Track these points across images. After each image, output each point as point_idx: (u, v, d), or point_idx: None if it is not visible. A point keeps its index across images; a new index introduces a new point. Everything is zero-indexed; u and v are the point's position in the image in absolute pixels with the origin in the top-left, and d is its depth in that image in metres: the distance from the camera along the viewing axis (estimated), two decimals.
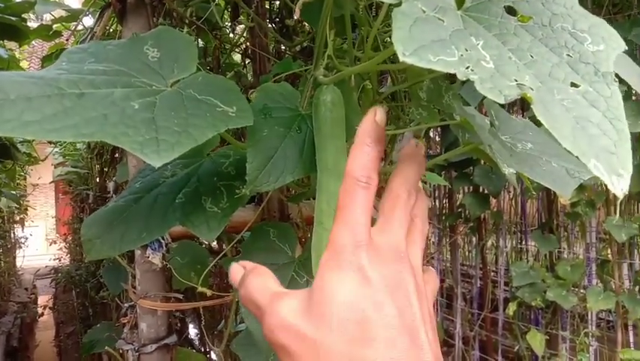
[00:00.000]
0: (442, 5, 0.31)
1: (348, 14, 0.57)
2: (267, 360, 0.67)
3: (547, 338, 2.33)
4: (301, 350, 0.30)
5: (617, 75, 0.31)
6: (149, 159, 0.37)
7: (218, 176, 0.64)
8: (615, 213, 2.11)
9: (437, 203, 3.12)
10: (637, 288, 2.17)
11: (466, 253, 3.68)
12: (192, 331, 1.99)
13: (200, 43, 1.38)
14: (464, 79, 0.27)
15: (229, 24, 1.43)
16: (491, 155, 0.51)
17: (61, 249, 6.42)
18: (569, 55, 0.31)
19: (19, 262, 7.14)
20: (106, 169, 2.32)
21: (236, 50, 1.46)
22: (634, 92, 1.81)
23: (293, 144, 0.53)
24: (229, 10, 1.39)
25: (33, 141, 2.62)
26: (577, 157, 0.26)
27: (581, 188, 2.02)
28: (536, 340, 2.26)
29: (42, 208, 11.08)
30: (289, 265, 0.71)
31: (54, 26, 1.79)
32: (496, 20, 0.33)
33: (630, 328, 2.19)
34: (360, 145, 0.34)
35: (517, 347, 2.52)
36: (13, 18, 1.60)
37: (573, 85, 0.29)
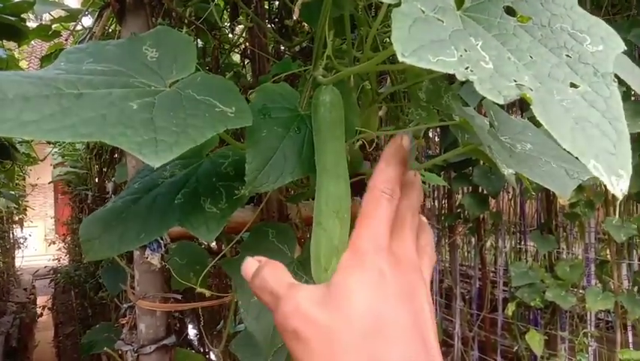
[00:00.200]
0: (441, 5, 0.31)
1: (347, 14, 0.57)
2: (265, 360, 0.67)
3: (547, 338, 2.33)
4: (314, 336, 0.31)
5: (616, 75, 0.31)
6: (148, 160, 0.37)
7: (217, 176, 0.64)
8: (614, 213, 2.11)
9: (436, 203, 3.12)
10: (636, 288, 2.17)
11: (465, 254, 3.69)
12: (191, 331, 1.99)
13: (200, 43, 1.38)
14: (463, 79, 0.26)
15: (228, 24, 1.43)
16: (490, 155, 0.51)
17: (60, 249, 6.41)
18: (568, 55, 0.31)
19: (18, 263, 7.13)
20: (105, 169, 2.32)
21: (236, 50, 1.46)
22: (633, 92, 1.82)
23: (292, 144, 0.53)
24: (228, 10, 1.39)
25: (32, 141, 2.62)
26: (576, 158, 0.26)
27: (580, 188, 2.02)
28: (535, 340, 2.26)
29: (41, 208, 11.07)
30: (288, 265, 0.70)
31: (53, 26, 1.78)
32: (496, 21, 0.33)
33: (629, 328, 2.19)
34: (386, 163, 0.37)
35: (516, 348, 2.52)
36: (12, 18, 1.59)
37: (572, 85, 0.29)
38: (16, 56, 2.73)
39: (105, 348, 1.33)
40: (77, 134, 0.38)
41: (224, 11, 1.41)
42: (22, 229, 6.92)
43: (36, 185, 6.15)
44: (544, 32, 0.33)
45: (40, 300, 6.36)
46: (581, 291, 2.33)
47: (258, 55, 1.08)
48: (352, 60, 0.63)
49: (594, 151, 0.26)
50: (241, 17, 1.33)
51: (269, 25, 1.28)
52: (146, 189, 0.64)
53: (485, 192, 2.43)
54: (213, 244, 1.39)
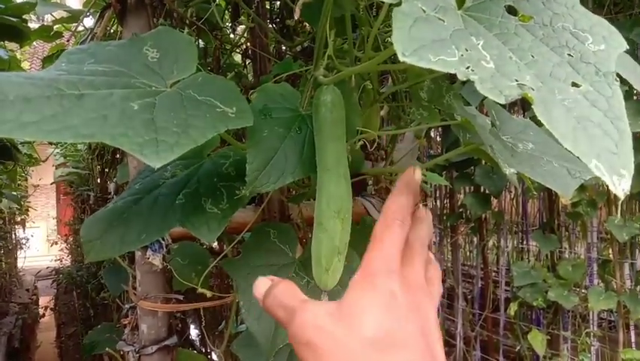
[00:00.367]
0: (442, 5, 0.31)
1: (348, 14, 0.57)
2: None
3: (549, 338, 2.33)
4: (328, 347, 0.33)
5: (618, 75, 0.31)
6: (149, 160, 0.37)
7: (218, 177, 0.64)
8: (616, 213, 2.11)
9: (438, 203, 3.12)
10: (638, 288, 2.16)
11: (468, 253, 3.68)
12: (194, 332, 1.99)
13: (201, 43, 1.38)
14: (464, 79, 0.26)
15: (230, 24, 1.43)
16: (492, 155, 0.50)
17: (62, 250, 6.42)
18: (570, 54, 0.31)
19: (20, 263, 7.13)
20: (107, 170, 2.32)
21: (237, 50, 1.46)
22: (635, 91, 1.81)
23: (293, 144, 0.53)
24: (229, 10, 1.39)
25: (34, 141, 2.62)
26: (578, 157, 0.25)
27: (583, 188, 2.01)
28: (538, 340, 2.25)
29: (43, 209, 11.08)
30: (289, 265, 0.70)
31: (55, 27, 1.79)
32: (497, 20, 0.33)
33: (632, 328, 2.18)
34: (399, 192, 0.39)
35: (518, 347, 2.51)
36: (13, 19, 1.59)
37: (574, 85, 0.29)
38: (19, 57, 2.73)
39: (107, 349, 1.33)
40: (78, 135, 0.38)
41: (226, 11, 1.41)
42: (24, 229, 6.92)
43: (38, 186, 6.15)
44: (545, 31, 0.33)
45: (43, 301, 6.36)
46: (583, 291, 2.33)
47: (260, 55, 1.08)
48: (354, 60, 0.63)
49: (596, 151, 0.26)
50: (242, 17, 1.33)
51: (270, 25, 1.28)
52: (147, 189, 0.64)
53: (487, 191, 2.43)
54: (215, 245, 1.39)
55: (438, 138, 2.83)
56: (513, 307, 2.39)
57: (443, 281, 3.29)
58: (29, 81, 0.41)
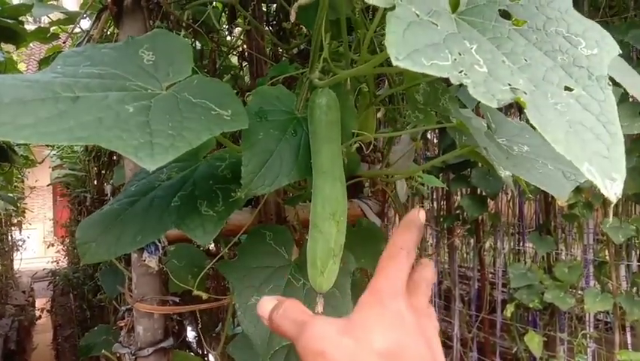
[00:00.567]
0: (436, 9, 0.31)
1: (343, 17, 0.57)
2: None
3: (545, 339, 2.33)
4: (341, 357, 0.34)
5: (611, 78, 0.31)
6: (143, 163, 0.37)
7: (213, 179, 0.64)
8: (610, 215, 2.11)
9: (435, 205, 3.12)
10: (634, 289, 2.17)
11: (464, 255, 3.68)
12: (190, 334, 1.98)
13: (198, 46, 1.38)
14: (457, 83, 0.27)
15: (226, 27, 1.43)
16: (487, 158, 0.51)
17: (58, 252, 6.39)
18: (563, 59, 0.31)
19: (16, 265, 7.10)
20: (103, 172, 2.31)
21: (234, 52, 1.46)
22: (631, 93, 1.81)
23: (288, 147, 0.53)
24: (226, 13, 1.39)
25: (30, 143, 2.61)
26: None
27: (579, 190, 2.02)
28: (534, 341, 2.25)
29: (40, 211, 11.05)
30: (285, 267, 0.70)
31: (51, 29, 1.78)
32: (491, 24, 0.33)
33: (628, 329, 2.19)
34: (405, 229, 0.41)
35: (515, 349, 2.51)
36: (10, 21, 1.59)
37: (567, 89, 0.29)
38: (15, 58, 2.72)
39: (103, 351, 1.33)
40: (73, 137, 0.38)
41: (222, 14, 1.41)
42: (20, 231, 6.90)
43: (35, 187, 6.13)
44: (539, 36, 0.33)
45: (39, 302, 6.34)
46: (579, 292, 2.33)
47: (256, 57, 1.08)
48: (349, 63, 0.63)
49: (588, 155, 0.26)
50: (239, 20, 1.33)
51: (267, 28, 1.28)
52: (142, 192, 0.64)
53: (484, 193, 2.43)
54: (212, 247, 1.39)
55: (435, 140, 2.84)
56: (510, 309, 2.39)
57: (440, 283, 3.30)
58: (25, 84, 0.41)
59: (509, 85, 0.27)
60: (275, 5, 1.31)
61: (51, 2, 1.78)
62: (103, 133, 0.39)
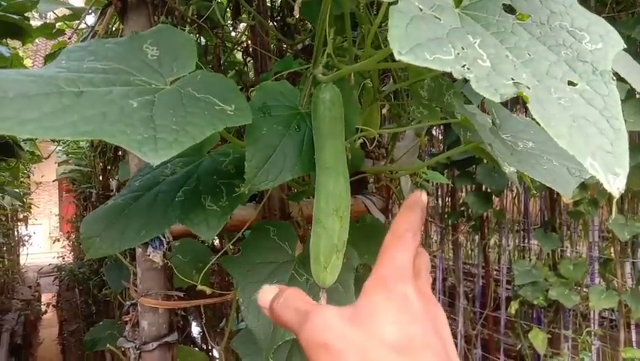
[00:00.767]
0: (439, 3, 0.31)
1: (347, 12, 0.57)
2: (266, 358, 0.67)
3: (550, 336, 2.33)
4: (347, 349, 0.32)
5: (616, 73, 0.31)
6: (147, 158, 0.37)
7: (217, 174, 0.64)
8: (613, 211, 2.10)
9: (440, 201, 3.11)
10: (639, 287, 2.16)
11: (469, 252, 3.68)
12: (195, 329, 1.99)
13: (202, 41, 1.38)
14: (460, 77, 0.26)
15: (231, 22, 1.43)
16: (492, 154, 0.51)
17: (64, 247, 6.43)
18: (566, 53, 0.31)
19: (22, 260, 7.16)
20: (109, 167, 2.32)
21: (238, 48, 1.46)
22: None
23: (292, 142, 0.53)
24: (231, 8, 1.39)
25: (36, 139, 2.63)
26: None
27: (584, 186, 2.01)
28: (538, 339, 2.25)
29: (45, 206, 11.11)
30: (289, 263, 0.71)
31: (57, 24, 1.79)
32: (494, 18, 0.33)
33: (633, 327, 2.18)
34: (408, 211, 0.39)
35: (519, 346, 2.51)
36: (16, 16, 1.60)
37: (570, 83, 0.29)
38: (21, 54, 2.74)
39: (108, 345, 1.33)
40: (77, 132, 0.38)
41: (227, 9, 1.41)
42: (26, 226, 6.94)
43: (40, 183, 6.16)
44: (543, 30, 0.33)
45: (45, 297, 6.38)
46: (584, 289, 2.33)
47: (260, 53, 1.08)
48: (353, 58, 0.63)
49: (591, 149, 0.26)
50: (243, 15, 1.33)
51: (271, 24, 1.28)
52: (147, 186, 0.65)
53: (489, 190, 2.43)
54: (217, 242, 1.39)
55: (440, 137, 2.83)
56: (514, 306, 2.39)
57: (444, 280, 3.30)
58: (29, 79, 0.41)
59: (512, 79, 0.27)
60: (279, 0, 1.31)
61: None
62: (107, 128, 0.39)
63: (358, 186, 1.10)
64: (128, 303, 1.03)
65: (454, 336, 2.71)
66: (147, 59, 0.52)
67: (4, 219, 5.28)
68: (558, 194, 2.39)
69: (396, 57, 0.26)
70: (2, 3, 1.55)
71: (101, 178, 2.55)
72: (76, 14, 1.56)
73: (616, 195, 0.25)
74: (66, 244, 6.36)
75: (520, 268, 2.34)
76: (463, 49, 0.28)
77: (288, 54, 1.24)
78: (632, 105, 1.68)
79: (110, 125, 0.39)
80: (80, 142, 3.19)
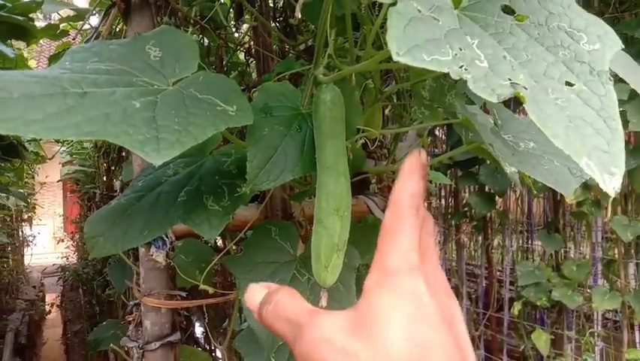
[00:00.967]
0: (438, 5, 0.32)
1: (348, 13, 0.57)
2: (268, 358, 0.67)
3: (553, 337, 2.32)
4: None
5: (615, 74, 0.31)
6: (150, 158, 0.38)
7: (219, 174, 0.64)
8: (609, 212, 2.09)
9: (442, 202, 3.11)
10: None
11: (472, 253, 3.67)
12: (198, 329, 2.00)
13: (205, 42, 1.38)
14: (457, 78, 0.27)
15: (233, 23, 1.43)
16: (493, 154, 0.51)
17: (68, 247, 6.46)
18: (564, 54, 0.31)
19: (27, 260, 7.19)
20: (112, 168, 2.33)
21: (240, 49, 1.46)
22: None
23: (293, 142, 0.54)
24: (233, 9, 1.40)
25: (40, 139, 2.64)
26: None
27: (587, 187, 2.01)
28: (542, 339, 2.25)
29: (50, 207, 11.14)
30: (291, 263, 0.71)
31: (61, 25, 1.80)
32: (493, 19, 0.34)
33: (636, 328, 2.18)
34: (408, 177, 0.34)
35: (522, 347, 2.51)
36: (20, 18, 1.61)
37: (568, 84, 0.29)
38: (25, 55, 2.75)
39: (111, 345, 1.34)
40: (81, 132, 0.39)
41: (230, 11, 1.41)
42: (31, 227, 6.97)
43: (45, 183, 6.19)
44: (541, 31, 0.33)
45: (49, 297, 6.41)
46: (587, 290, 2.32)
47: (263, 54, 1.09)
48: (354, 59, 0.64)
49: (587, 149, 0.26)
50: (246, 16, 1.33)
51: (273, 24, 1.29)
52: (149, 187, 0.65)
53: (492, 190, 2.43)
54: (219, 242, 1.40)
55: (443, 137, 2.83)
56: (517, 307, 2.39)
57: (447, 280, 3.29)
58: (33, 79, 0.42)
59: (509, 80, 0.28)
60: (282, 1, 1.31)
61: None
62: (110, 128, 0.39)
63: (360, 187, 1.10)
64: (131, 303, 1.04)
65: None
66: (150, 60, 0.52)
67: (8, 219, 5.31)
68: (561, 195, 2.38)
69: (394, 58, 0.26)
70: (7, 4, 1.56)
71: (104, 179, 2.57)
72: (81, 15, 1.56)
73: (612, 194, 0.25)
74: (70, 244, 6.39)
75: (523, 268, 2.34)
76: (460, 49, 0.28)
77: (290, 55, 1.25)
78: (636, 105, 1.67)
79: (113, 126, 0.39)
80: (83, 143, 3.20)
